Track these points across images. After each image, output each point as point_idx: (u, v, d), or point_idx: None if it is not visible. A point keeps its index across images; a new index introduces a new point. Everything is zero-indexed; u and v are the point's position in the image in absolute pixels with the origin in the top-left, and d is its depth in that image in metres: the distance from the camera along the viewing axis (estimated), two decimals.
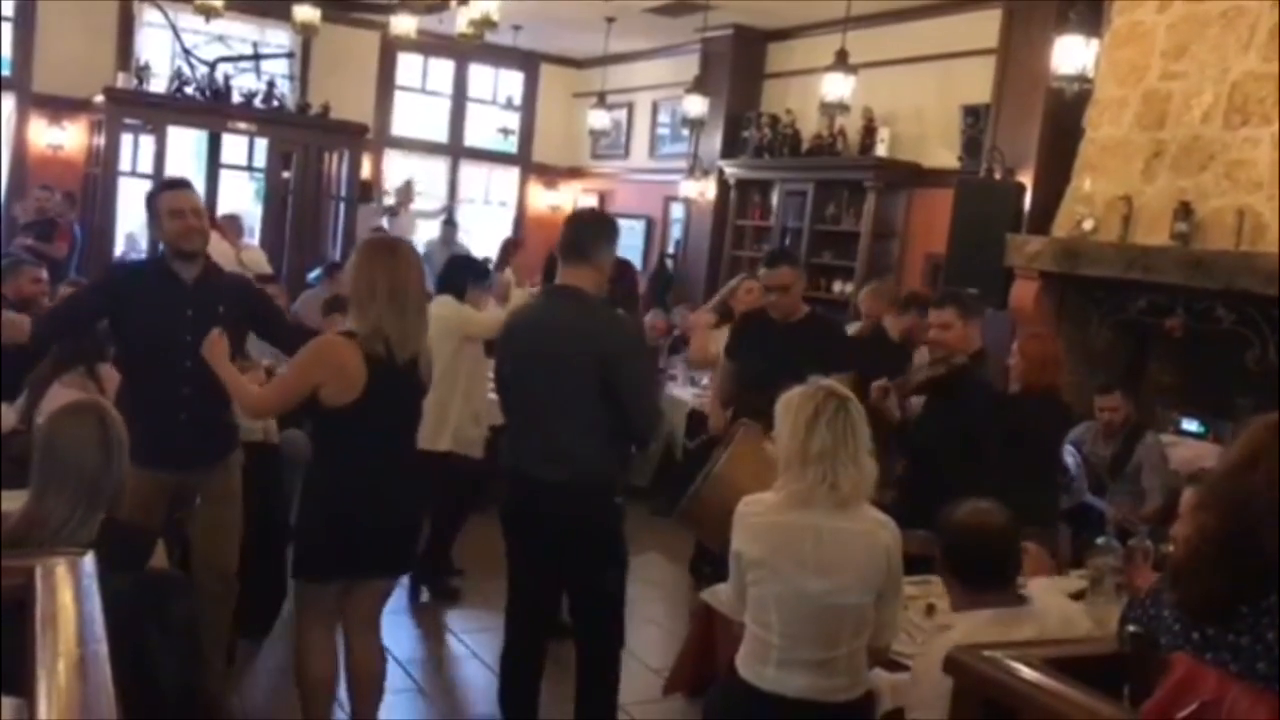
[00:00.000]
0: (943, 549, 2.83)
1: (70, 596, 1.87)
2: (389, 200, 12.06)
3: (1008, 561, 2.79)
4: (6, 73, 10.87)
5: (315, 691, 3.47)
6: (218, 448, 3.83)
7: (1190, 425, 6.30)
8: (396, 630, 4.97)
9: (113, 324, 3.88)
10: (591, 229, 3.59)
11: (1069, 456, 5.48)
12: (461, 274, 5.55)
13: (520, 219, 13.52)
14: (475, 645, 4.90)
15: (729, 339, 5.09)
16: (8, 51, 10.84)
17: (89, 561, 2.01)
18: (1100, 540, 3.73)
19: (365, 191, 11.86)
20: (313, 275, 9.23)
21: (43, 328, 3.91)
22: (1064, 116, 6.77)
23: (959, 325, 4.38)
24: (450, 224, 11.37)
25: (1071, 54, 5.60)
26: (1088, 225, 6.31)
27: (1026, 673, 2.23)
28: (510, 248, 9.41)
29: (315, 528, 3.36)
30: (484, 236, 12.65)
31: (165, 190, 3.80)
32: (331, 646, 3.51)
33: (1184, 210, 5.81)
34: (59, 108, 10.90)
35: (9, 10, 10.71)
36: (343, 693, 3.57)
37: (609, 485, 3.54)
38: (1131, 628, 2.17)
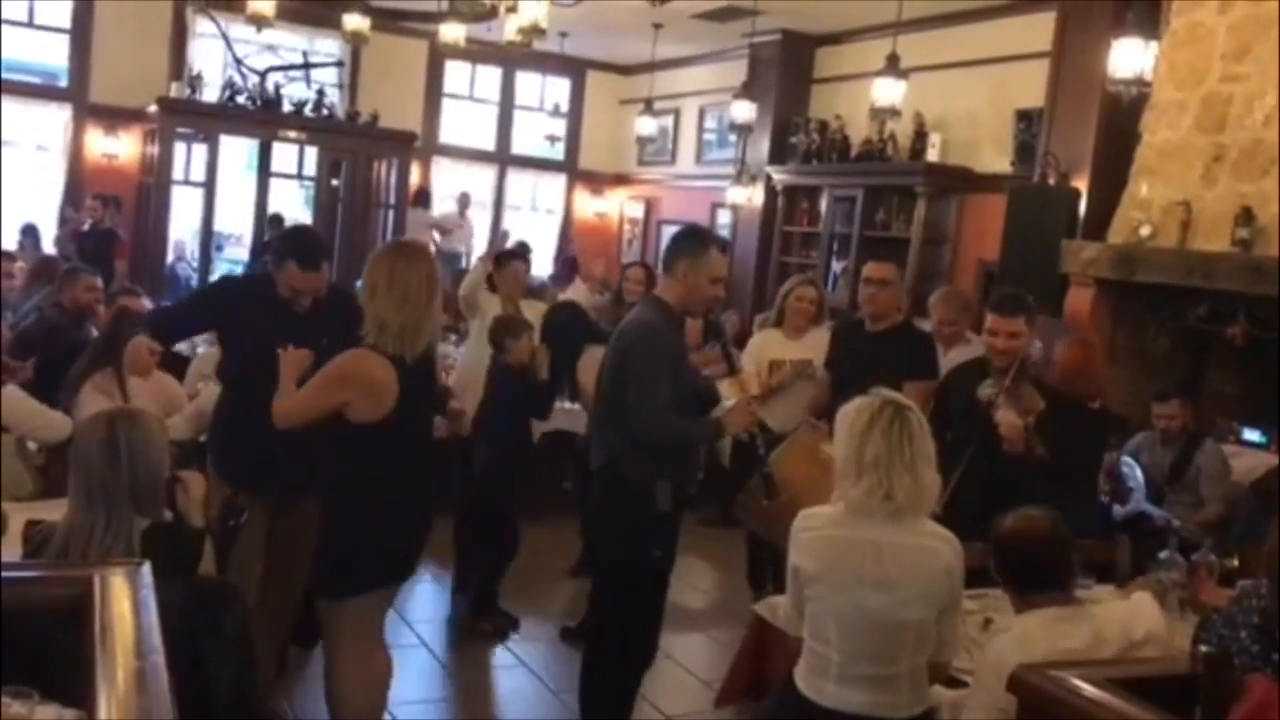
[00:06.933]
0: (995, 556, 2.86)
1: (128, 607, 1.85)
2: (445, 210, 12.21)
3: (1059, 564, 2.80)
4: (63, 83, 11.08)
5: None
6: (304, 479, 3.67)
7: (1252, 435, 6.16)
8: (442, 637, 4.98)
9: (220, 337, 3.92)
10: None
11: (1125, 468, 5.37)
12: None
13: (567, 226, 13.56)
14: (523, 654, 4.87)
15: (829, 351, 5.06)
16: (65, 62, 11.05)
17: (146, 571, 2.00)
18: (1163, 554, 3.64)
19: (419, 197, 11.96)
20: (360, 283, 9.30)
21: (155, 331, 4.00)
22: (1120, 120, 6.65)
23: (1026, 334, 4.18)
24: (522, 245, 11.72)
25: (1129, 56, 5.50)
26: (1145, 231, 6.20)
27: (1092, 692, 2.18)
28: (573, 264, 9.60)
29: (355, 542, 3.32)
30: (532, 245, 12.72)
31: (300, 267, 3.69)
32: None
33: (1245, 216, 5.68)
34: (114, 117, 11.08)
35: (66, 22, 10.92)
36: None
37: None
38: (1204, 648, 2.11)
